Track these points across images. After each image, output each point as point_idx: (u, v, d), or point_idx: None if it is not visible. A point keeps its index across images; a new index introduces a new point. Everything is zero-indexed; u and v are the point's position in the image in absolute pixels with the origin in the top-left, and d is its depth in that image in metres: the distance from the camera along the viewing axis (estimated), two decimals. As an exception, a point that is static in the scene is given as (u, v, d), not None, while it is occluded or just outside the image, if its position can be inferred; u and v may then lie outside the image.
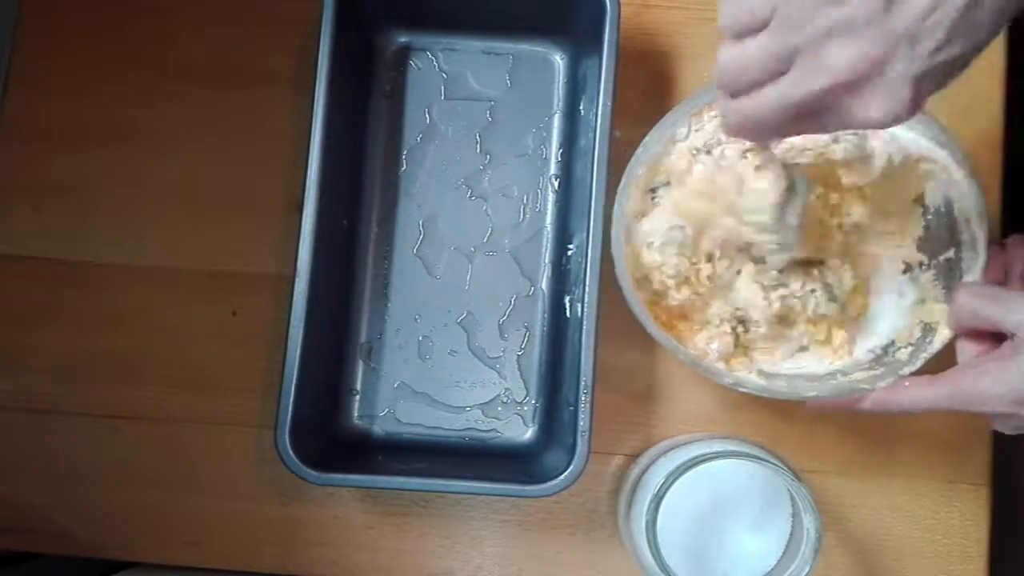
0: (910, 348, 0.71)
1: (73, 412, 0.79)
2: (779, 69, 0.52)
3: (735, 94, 0.55)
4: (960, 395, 0.61)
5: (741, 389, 0.70)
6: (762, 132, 0.57)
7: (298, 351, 0.71)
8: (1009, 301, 0.62)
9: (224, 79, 0.83)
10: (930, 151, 0.71)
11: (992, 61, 0.83)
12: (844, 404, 0.68)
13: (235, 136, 0.82)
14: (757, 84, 0.54)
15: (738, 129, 0.57)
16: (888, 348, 0.73)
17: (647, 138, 0.71)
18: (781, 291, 0.72)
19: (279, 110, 0.82)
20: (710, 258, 0.72)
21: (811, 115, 0.53)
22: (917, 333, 0.72)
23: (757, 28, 0.52)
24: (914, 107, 0.50)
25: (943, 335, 0.69)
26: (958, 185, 0.70)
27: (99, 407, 0.80)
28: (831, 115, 0.53)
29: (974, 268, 0.69)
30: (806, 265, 0.73)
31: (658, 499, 0.66)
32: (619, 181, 0.71)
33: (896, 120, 0.51)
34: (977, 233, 0.70)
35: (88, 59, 0.83)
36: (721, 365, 0.73)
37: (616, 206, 0.71)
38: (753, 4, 0.52)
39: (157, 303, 0.81)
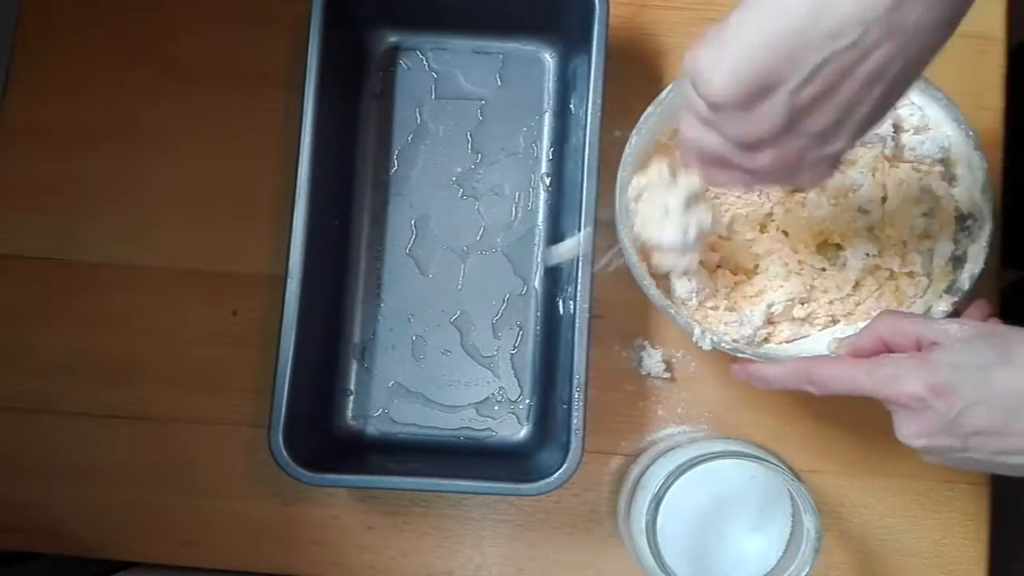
0: None
1: (72, 412, 0.80)
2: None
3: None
4: (881, 374, 0.58)
5: (723, 347, 0.70)
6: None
7: (291, 351, 0.71)
8: (929, 319, 0.62)
9: (224, 78, 0.83)
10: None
11: (993, 60, 0.83)
12: (763, 365, 0.67)
13: (237, 135, 0.83)
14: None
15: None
16: None
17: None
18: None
19: (277, 109, 0.82)
20: None
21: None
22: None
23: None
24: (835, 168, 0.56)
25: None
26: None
27: (98, 407, 0.80)
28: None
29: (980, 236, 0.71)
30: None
31: (658, 499, 0.66)
32: (612, 179, 0.71)
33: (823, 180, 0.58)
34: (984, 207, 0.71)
35: (88, 59, 0.84)
36: (695, 320, 0.72)
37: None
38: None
39: (156, 303, 0.81)
